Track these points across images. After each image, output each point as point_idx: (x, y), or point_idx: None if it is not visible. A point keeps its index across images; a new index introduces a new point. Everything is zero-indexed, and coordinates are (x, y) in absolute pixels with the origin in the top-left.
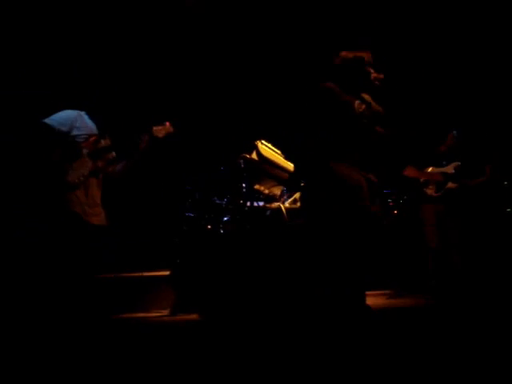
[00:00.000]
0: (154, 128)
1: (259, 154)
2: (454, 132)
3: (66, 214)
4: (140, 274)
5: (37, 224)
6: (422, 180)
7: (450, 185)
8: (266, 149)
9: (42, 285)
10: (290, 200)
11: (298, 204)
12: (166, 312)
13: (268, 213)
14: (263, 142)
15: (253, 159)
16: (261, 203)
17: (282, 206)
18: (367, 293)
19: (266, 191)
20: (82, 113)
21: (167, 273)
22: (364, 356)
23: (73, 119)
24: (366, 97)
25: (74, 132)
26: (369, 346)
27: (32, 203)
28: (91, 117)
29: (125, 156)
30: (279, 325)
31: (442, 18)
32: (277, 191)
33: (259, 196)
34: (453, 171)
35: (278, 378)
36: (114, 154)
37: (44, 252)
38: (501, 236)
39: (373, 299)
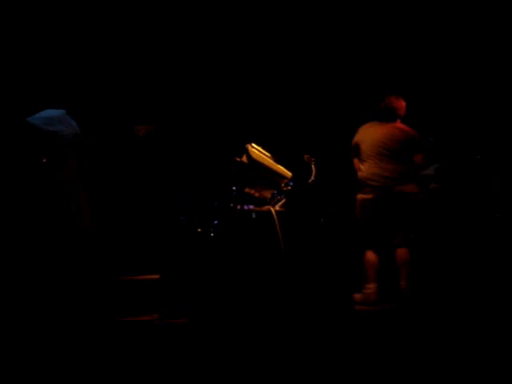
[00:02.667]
0: (135, 127)
1: (249, 157)
2: (431, 138)
3: (57, 216)
4: (129, 277)
5: (29, 226)
6: None
7: (433, 185)
8: (257, 152)
9: (34, 287)
10: (280, 203)
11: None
12: (155, 316)
13: (254, 216)
14: (254, 145)
15: (243, 162)
16: (251, 206)
17: (272, 209)
18: None
19: (257, 194)
20: (64, 112)
21: (157, 277)
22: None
23: (58, 119)
24: None
25: (59, 132)
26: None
27: (23, 205)
28: (73, 117)
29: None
30: (269, 328)
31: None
32: (267, 194)
33: (250, 199)
34: (433, 172)
35: (268, 380)
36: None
37: (36, 254)
38: (489, 241)
39: None
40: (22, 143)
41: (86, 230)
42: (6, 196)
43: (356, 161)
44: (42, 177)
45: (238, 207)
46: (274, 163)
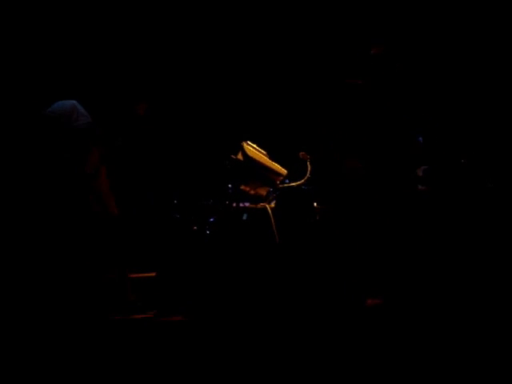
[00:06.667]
0: (135, 107)
1: (245, 154)
2: (420, 138)
3: (87, 206)
4: (126, 275)
5: (59, 219)
6: None
7: (420, 187)
8: (252, 149)
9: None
10: (275, 200)
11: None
12: (151, 314)
13: (244, 217)
14: (249, 142)
15: (238, 160)
16: (247, 204)
17: (267, 206)
18: None
19: (252, 192)
20: (75, 102)
21: (153, 274)
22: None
23: (71, 109)
24: None
25: (74, 122)
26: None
27: (50, 199)
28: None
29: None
30: (265, 325)
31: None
32: (263, 192)
33: (245, 196)
34: (421, 174)
35: (264, 378)
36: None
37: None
38: (484, 238)
39: None
40: (44, 137)
41: (114, 217)
42: (32, 190)
43: None
44: (68, 169)
45: (234, 205)
46: (269, 160)
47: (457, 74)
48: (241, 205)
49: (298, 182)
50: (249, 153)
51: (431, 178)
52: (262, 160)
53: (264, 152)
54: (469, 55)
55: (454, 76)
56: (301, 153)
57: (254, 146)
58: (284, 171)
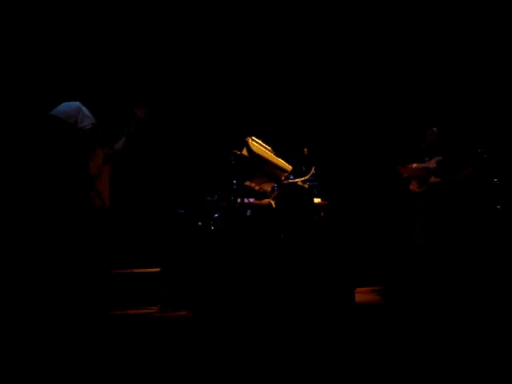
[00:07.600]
0: (136, 110)
1: (250, 150)
2: (434, 128)
3: (89, 206)
4: (130, 270)
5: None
6: (404, 176)
7: (433, 179)
8: (257, 145)
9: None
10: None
11: None
12: (156, 309)
13: (248, 213)
14: (254, 138)
15: (243, 155)
16: (251, 200)
17: (272, 202)
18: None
19: (257, 188)
20: (79, 104)
21: (157, 269)
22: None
23: (76, 111)
24: None
25: (79, 123)
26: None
27: (54, 198)
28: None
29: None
30: (270, 321)
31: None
32: (267, 187)
33: (250, 192)
34: (435, 166)
35: (268, 375)
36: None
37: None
38: (490, 233)
39: (362, 296)
40: (50, 138)
41: (111, 218)
42: (36, 188)
43: None
44: (72, 169)
45: (239, 200)
46: (274, 156)
47: (473, 67)
48: (245, 201)
49: (303, 178)
50: (254, 148)
51: (445, 169)
52: (266, 156)
53: (269, 148)
54: (486, 50)
55: (471, 69)
56: (305, 149)
57: (259, 141)
58: (289, 167)
